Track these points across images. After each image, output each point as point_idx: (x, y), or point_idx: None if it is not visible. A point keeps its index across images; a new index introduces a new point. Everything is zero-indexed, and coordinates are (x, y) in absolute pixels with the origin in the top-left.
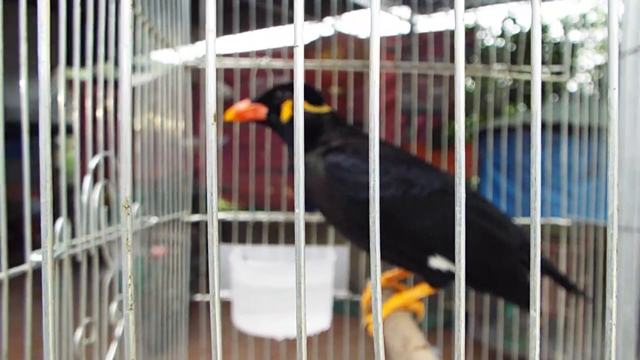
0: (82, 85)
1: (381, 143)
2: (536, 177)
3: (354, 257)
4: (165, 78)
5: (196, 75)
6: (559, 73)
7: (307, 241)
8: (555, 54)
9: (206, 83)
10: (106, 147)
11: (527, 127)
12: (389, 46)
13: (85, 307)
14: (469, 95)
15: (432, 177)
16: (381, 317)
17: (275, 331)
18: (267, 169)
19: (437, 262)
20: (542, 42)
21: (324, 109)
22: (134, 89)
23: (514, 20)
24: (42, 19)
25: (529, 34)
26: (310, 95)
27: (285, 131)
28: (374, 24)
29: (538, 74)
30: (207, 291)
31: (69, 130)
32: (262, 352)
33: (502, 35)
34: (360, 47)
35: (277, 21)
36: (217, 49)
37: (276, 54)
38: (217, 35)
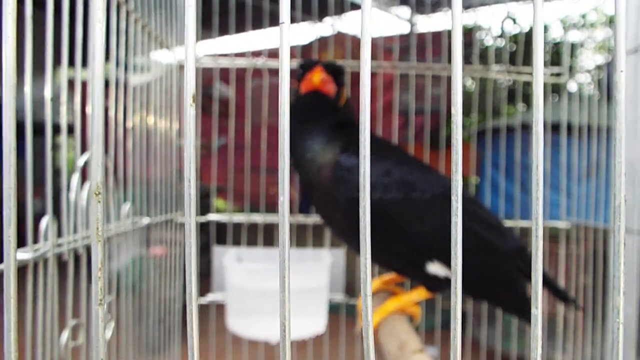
0: (77, 85)
1: (384, 144)
2: (538, 180)
3: (351, 260)
4: (160, 77)
5: None
6: (558, 74)
7: (303, 244)
8: (555, 54)
9: (186, 63)
10: None
11: (525, 127)
12: (387, 46)
13: (72, 308)
14: (468, 95)
15: (432, 180)
16: (371, 314)
17: (269, 334)
18: (262, 169)
19: (435, 268)
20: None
21: (343, 98)
22: (126, 88)
23: (513, 20)
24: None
25: (528, 34)
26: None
27: (340, 114)
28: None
29: (540, 76)
30: (202, 294)
31: (70, 130)
32: (256, 355)
33: (502, 36)
34: (358, 47)
35: (274, 21)
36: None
37: (272, 53)
38: (213, 35)
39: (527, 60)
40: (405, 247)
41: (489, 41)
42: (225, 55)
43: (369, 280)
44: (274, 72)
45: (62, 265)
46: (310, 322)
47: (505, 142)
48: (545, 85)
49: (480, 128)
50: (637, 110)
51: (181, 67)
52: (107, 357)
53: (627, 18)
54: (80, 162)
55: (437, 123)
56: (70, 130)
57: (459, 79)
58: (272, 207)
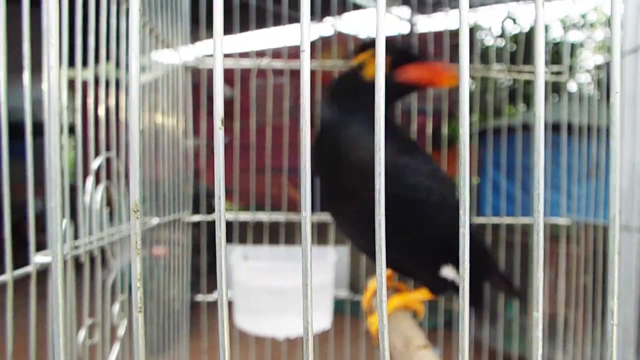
0: (84, 85)
1: (408, 142)
2: (539, 179)
3: (355, 257)
4: (166, 78)
5: (196, 75)
6: (558, 73)
7: None
8: (555, 54)
9: (214, 85)
10: (108, 148)
11: (526, 127)
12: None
13: (88, 307)
14: (469, 95)
15: (449, 182)
16: (387, 319)
17: (276, 331)
18: (267, 169)
19: (448, 272)
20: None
21: None
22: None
23: (513, 20)
24: (51, 24)
25: (528, 34)
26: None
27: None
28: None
29: (541, 78)
30: (209, 291)
31: (71, 130)
32: (263, 352)
33: (502, 36)
34: None
35: (277, 21)
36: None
37: (276, 54)
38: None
39: (528, 59)
40: (432, 249)
41: (489, 41)
42: (230, 55)
43: (384, 286)
44: (278, 72)
45: (77, 266)
46: (317, 319)
47: (506, 142)
48: (545, 83)
49: (481, 128)
50: (637, 110)
51: (186, 68)
52: (121, 357)
53: (626, 18)
54: (94, 165)
55: (439, 122)
56: (71, 130)
57: (466, 87)
58: (277, 207)
